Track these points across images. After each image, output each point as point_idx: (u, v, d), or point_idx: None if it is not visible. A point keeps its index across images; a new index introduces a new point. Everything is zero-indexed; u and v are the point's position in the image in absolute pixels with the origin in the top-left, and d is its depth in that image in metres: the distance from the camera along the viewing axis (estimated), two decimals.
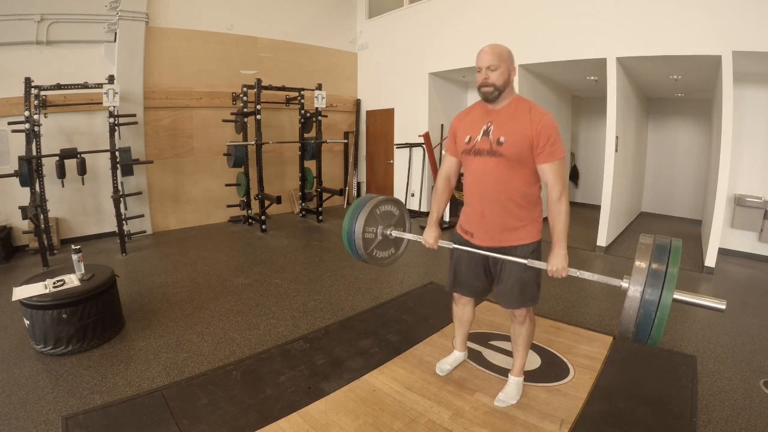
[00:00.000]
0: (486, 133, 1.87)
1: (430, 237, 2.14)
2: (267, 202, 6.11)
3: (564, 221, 1.78)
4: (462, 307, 2.36)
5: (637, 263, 1.49)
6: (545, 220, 1.91)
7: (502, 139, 1.82)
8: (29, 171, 4.39)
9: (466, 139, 1.95)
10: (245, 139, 6.18)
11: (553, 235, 1.81)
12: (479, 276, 2.12)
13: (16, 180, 4.41)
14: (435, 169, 6.94)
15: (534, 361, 2.54)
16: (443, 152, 6.34)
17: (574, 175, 8.31)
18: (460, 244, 2.07)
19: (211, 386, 2.32)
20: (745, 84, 4.91)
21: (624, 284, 1.54)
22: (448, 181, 2.16)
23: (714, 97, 5.53)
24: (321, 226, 6.60)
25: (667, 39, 4.43)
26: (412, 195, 7.49)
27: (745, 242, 5.15)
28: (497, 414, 2.09)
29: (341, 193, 7.65)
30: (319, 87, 6.49)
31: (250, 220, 6.49)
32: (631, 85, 5.87)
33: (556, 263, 1.77)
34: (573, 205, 8.08)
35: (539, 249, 1.98)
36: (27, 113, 4.46)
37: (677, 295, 1.42)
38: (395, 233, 2.35)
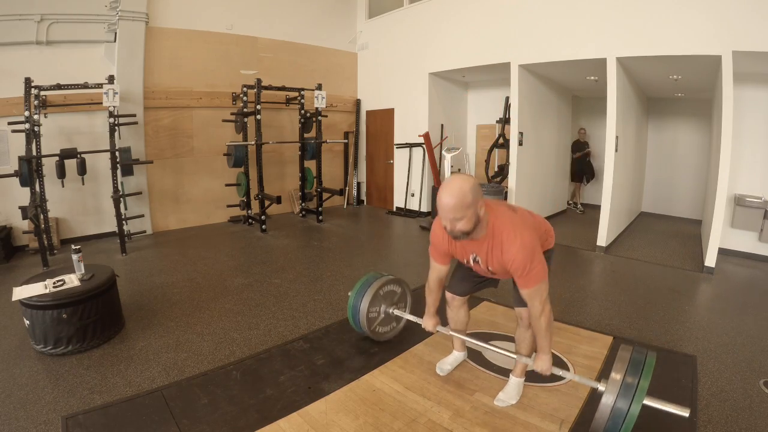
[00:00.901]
0: (476, 261, 1.96)
1: (429, 324, 2.32)
2: (267, 202, 6.11)
3: (545, 335, 1.88)
4: (456, 310, 2.38)
5: (612, 374, 1.69)
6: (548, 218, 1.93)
7: (491, 268, 1.93)
8: (29, 171, 4.39)
9: (464, 260, 2.04)
10: (245, 139, 6.18)
11: (537, 345, 1.96)
12: (473, 282, 2.26)
13: (16, 180, 4.41)
14: (435, 169, 6.95)
15: None
16: (443, 152, 6.35)
17: (588, 171, 7.95)
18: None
19: (211, 386, 2.32)
20: (745, 84, 4.91)
21: (600, 388, 1.74)
22: (439, 282, 2.23)
23: (714, 97, 5.53)
24: (321, 226, 6.60)
25: (667, 39, 4.43)
26: (412, 195, 7.49)
27: (745, 242, 5.15)
28: (497, 414, 2.09)
29: (341, 193, 7.66)
30: (319, 87, 6.49)
31: (250, 220, 6.49)
32: (631, 85, 5.87)
33: (541, 366, 1.95)
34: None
35: (550, 256, 2.08)
36: (27, 113, 4.46)
37: (647, 402, 1.62)
38: (397, 312, 2.70)
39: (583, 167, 7.92)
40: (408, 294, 2.85)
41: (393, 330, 2.83)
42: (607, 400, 1.63)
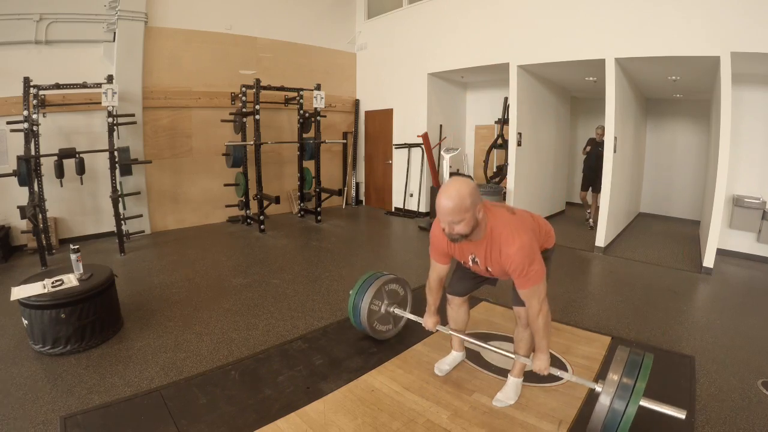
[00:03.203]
0: (475, 262, 1.98)
1: (429, 323, 2.34)
2: (266, 202, 6.11)
3: (543, 335, 1.90)
4: (456, 309, 2.38)
5: (609, 375, 1.70)
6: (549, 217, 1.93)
7: (489, 268, 1.95)
8: (28, 170, 4.39)
9: (462, 262, 2.08)
10: (244, 139, 6.18)
11: (535, 344, 1.97)
12: (473, 282, 2.28)
13: (14, 179, 4.41)
14: (434, 170, 6.95)
15: None
16: (442, 152, 6.35)
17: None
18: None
19: (210, 386, 2.32)
20: (744, 85, 4.92)
21: (597, 389, 1.75)
22: (440, 282, 2.24)
23: (712, 98, 5.55)
24: (319, 226, 6.59)
25: (665, 40, 4.44)
26: (411, 195, 7.49)
27: (744, 243, 5.16)
28: (495, 414, 2.09)
29: (340, 193, 7.65)
30: (318, 87, 6.49)
31: (248, 220, 6.49)
32: (630, 86, 5.88)
33: (539, 365, 1.96)
34: (576, 206, 8.07)
35: (549, 256, 2.10)
36: (26, 113, 4.45)
37: (643, 403, 1.63)
38: (397, 311, 2.71)
39: (593, 174, 6.41)
40: (409, 294, 2.86)
41: (392, 330, 2.84)
42: (604, 401, 1.65)
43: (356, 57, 8.28)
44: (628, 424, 1.59)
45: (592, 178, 6.46)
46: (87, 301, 2.71)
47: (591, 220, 6.63)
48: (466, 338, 2.34)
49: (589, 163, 6.54)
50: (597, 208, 6.05)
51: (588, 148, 6.62)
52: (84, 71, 5.14)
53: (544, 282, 1.82)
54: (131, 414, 2.07)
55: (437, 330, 2.38)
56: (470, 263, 2.01)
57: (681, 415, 1.64)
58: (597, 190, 6.23)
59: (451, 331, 2.37)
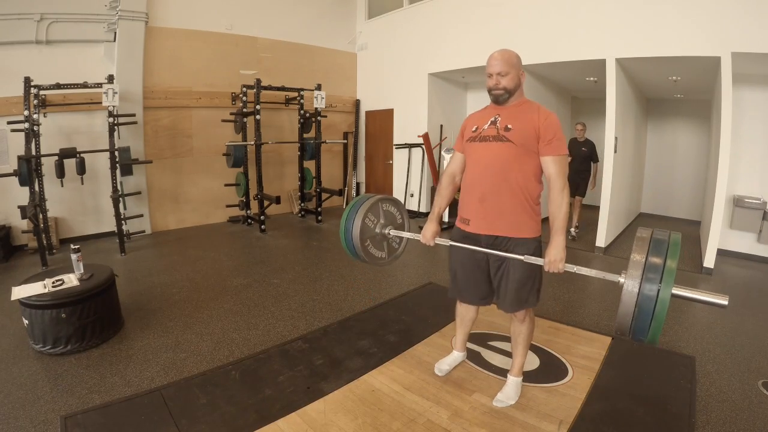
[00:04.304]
0: (494, 123, 1.93)
1: (428, 231, 2.14)
2: (266, 202, 6.11)
3: (565, 213, 1.82)
4: (466, 306, 2.32)
5: (633, 257, 1.41)
6: (544, 220, 1.90)
7: (509, 125, 1.88)
8: (28, 170, 4.39)
9: (473, 128, 2.00)
10: (244, 139, 6.18)
11: (552, 227, 1.82)
12: (478, 282, 2.11)
13: (15, 179, 4.41)
14: (434, 170, 6.95)
15: (533, 362, 2.54)
16: (443, 153, 6.35)
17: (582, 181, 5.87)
18: (458, 241, 2.05)
19: (210, 386, 2.32)
20: (744, 85, 4.92)
21: (621, 279, 1.48)
22: (452, 178, 2.15)
23: (713, 98, 5.54)
24: (320, 226, 6.60)
25: (666, 40, 4.44)
26: (411, 195, 7.49)
27: (744, 243, 5.16)
28: (496, 414, 2.09)
29: (340, 193, 7.66)
30: (319, 87, 6.49)
31: (249, 220, 6.49)
32: (631, 86, 5.88)
33: (554, 254, 1.75)
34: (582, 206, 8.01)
35: (540, 248, 1.96)
36: (26, 113, 4.46)
37: (676, 291, 1.34)
38: (393, 232, 2.32)
39: (577, 177, 5.69)
40: (406, 223, 2.45)
41: (385, 258, 2.41)
42: (631, 287, 1.37)
43: (357, 57, 8.28)
44: (664, 312, 1.34)
45: (576, 182, 5.70)
46: (87, 301, 2.71)
47: (575, 228, 5.95)
48: (481, 249, 1.99)
49: (573, 166, 5.64)
50: (578, 210, 5.89)
51: (569, 159, 5.47)
52: (84, 71, 5.14)
53: (566, 159, 1.89)
54: (132, 414, 2.07)
55: (436, 242, 2.13)
56: (486, 125, 1.94)
57: (723, 302, 1.39)
58: (582, 194, 5.83)
59: (451, 243, 2.07)
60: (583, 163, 5.68)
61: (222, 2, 6.33)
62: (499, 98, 1.94)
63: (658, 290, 1.32)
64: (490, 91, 1.95)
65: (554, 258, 1.75)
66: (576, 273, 1.69)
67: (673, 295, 1.34)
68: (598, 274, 1.60)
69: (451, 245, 2.08)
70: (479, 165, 1.96)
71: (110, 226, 5.31)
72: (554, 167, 1.84)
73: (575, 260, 4.94)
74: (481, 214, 1.96)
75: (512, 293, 1.97)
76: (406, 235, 2.31)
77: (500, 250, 1.91)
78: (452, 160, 2.16)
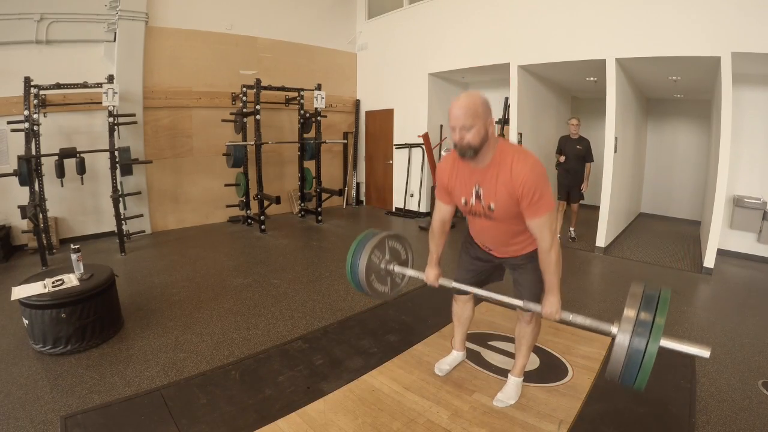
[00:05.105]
0: (477, 196, 1.86)
1: (431, 275, 2.20)
2: (266, 202, 6.11)
3: (555, 271, 1.81)
4: (462, 305, 2.38)
5: (626, 312, 1.56)
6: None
7: (492, 206, 1.82)
8: (28, 170, 4.39)
9: (462, 201, 1.95)
10: (244, 139, 6.18)
11: (546, 283, 1.86)
12: (477, 270, 2.21)
13: (15, 179, 4.41)
14: (434, 170, 6.95)
15: (533, 362, 2.54)
16: (443, 152, 6.35)
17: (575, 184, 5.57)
18: (470, 242, 2.21)
19: (210, 386, 2.32)
20: (744, 85, 4.92)
21: (613, 330, 1.61)
22: (443, 225, 2.16)
23: (713, 98, 5.54)
24: (320, 226, 6.59)
25: (666, 40, 4.44)
26: (411, 195, 7.49)
27: (744, 243, 5.16)
28: (496, 414, 2.09)
29: (340, 193, 7.66)
30: (319, 87, 6.49)
31: (249, 220, 6.49)
32: (631, 86, 5.88)
33: (549, 307, 1.82)
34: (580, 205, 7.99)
35: None
36: (26, 112, 4.45)
37: (663, 343, 1.50)
38: (398, 269, 2.42)
39: (571, 178, 5.47)
40: (410, 254, 2.56)
41: (388, 292, 2.50)
42: (622, 341, 1.51)
43: (357, 57, 8.28)
44: (650, 365, 1.46)
45: (571, 184, 5.48)
46: (87, 301, 2.71)
47: (572, 228, 5.77)
48: (476, 291, 2.13)
49: (566, 166, 5.44)
50: (576, 216, 5.67)
51: (562, 158, 5.44)
52: (84, 71, 5.14)
53: (554, 212, 1.79)
54: (132, 414, 2.07)
55: (440, 284, 2.19)
56: (473, 199, 1.88)
57: (705, 353, 1.50)
58: (576, 199, 5.55)
59: (453, 284, 2.16)
60: (577, 162, 5.40)
61: (222, 2, 6.33)
62: (465, 155, 1.74)
63: (647, 344, 1.47)
64: (455, 145, 1.76)
65: (549, 311, 1.82)
66: (571, 320, 1.79)
67: (660, 347, 1.49)
68: (592, 323, 1.71)
69: (453, 286, 2.17)
70: (479, 232, 2.06)
71: (110, 226, 5.31)
72: (537, 229, 1.78)
73: (576, 260, 4.97)
74: (489, 249, 2.10)
75: (528, 291, 2.03)
76: (410, 273, 2.39)
77: (511, 264, 2.09)
78: (439, 209, 2.11)
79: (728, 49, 4.04)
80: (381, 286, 2.45)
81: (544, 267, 1.84)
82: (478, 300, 3.43)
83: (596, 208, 5.39)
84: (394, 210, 7.87)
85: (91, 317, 2.73)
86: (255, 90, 5.86)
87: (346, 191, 8.30)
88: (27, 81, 4.53)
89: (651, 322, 1.51)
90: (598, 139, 5.65)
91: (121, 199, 5.05)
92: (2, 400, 2.20)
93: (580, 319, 1.75)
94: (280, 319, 3.25)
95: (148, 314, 3.30)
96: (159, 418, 2.03)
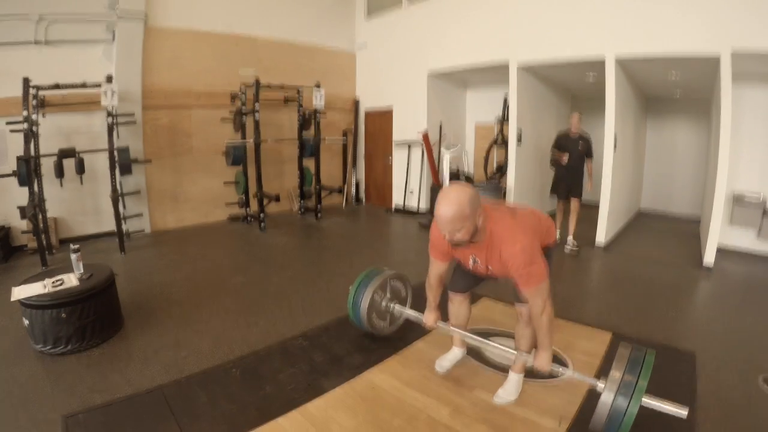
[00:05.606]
0: (475, 262, 1.97)
1: (430, 319, 2.31)
2: (266, 201, 6.11)
3: (546, 333, 1.88)
4: (458, 305, 2.38)
5: (612, 372, 1.71)
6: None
7: (490, 267, 1.94)
8: (28, 171, 4.39)
9: (462, 261, 2.06)
10: (244, 137, 6.18)
11: (538, 341, 1.95)
12: (470, 280, 2.27)
13: (14, 180, 4.40)
14: (434, 169, 6.95)
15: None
16: (442, 148, 6.35)
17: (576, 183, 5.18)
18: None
19: (211, 384, 2.32)
20: (744, 82, 4.91)
21: (600, 386, 1.76)
22: (440, 279, 2.23)
23: (713, 96, 5.54)
24: (320, 224, 6.59)
25: (666, 39, 4.44)
26: (411, 193, 7.49)
27: (744, 239, 5.16)
28: (496, 410, 2.09)
29: (340, 191, 7.66)
30: (318, 85, 6.48)
31: (248, 219, 6.49)
32: (630, 85, 5.88)
33: (541, 363, 1.93)
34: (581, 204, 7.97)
35: (550, 253, 2.09)
36: (25, 113, 4.44)
37: (645, 401, 1.63)
38: (398, 308, 2.64)
39: (571, 176, 5.12)
40: (409, 294, 2.86)
41: (387, 327, 2.78)
42: (606, 399, 1.65)
43: (356, 56, 8.27)
44: (630, 422, 1.60)
45: (570, 182, 5.14)
46: (87, 301, 2.71)
47: (571, 236, 5.13)
48: (467, 335, 2.32)
49: (568, 163, 5.06)
50: (577, 216, 5.15)
51: (565, 158, 5.01)
52: (84, 71, 5.12)
53: (546, 281, 1.81)
54: (133, 412, 2.07)
55: (438, 326, 2.34)
56: (471, 264, 2.00)
57: (683, 413, 1.63)
58: (577, 194, 5.15)
59: (451, 327, 2.34)
60: (579, 159, 5.07)
61: (221, 2, 6.32)
62: (459, 246, 1.81)
63: (628, 404, 1.61)
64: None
65: (540, 365, 1.94)
66: (561, 374, 1.99)
67: (642, 404, 1.62)
68: (580, 377, 1.94)
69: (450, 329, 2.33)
70: (476, 271, 2.10)
71: (110, 225, 5.30)
72: (531, 296, 1.83)
73: (575, 258, 4.96)
74: (488, 273, 2.08)
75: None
76: (410, 315, 2.60)
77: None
78: (434, 266, 2.16)
79: (728, 48, 4.04)
80: (380, 321, 2.69)
81: (536, 327, 1.92)
82: (476, 297, 3.44)
83: (596, 206, 5.39)
84: (393, 208, 7.82)
85: (92, 317, 2.73)
86: (254, 89, 5.84)
87: (345, 189, 8.29)
88: (26, 81, 4.51)
89: (634, 384, 1.64)
90: (597, 137, 5.65)
91: (120, 198, 5.04)
92: (3, 400, 2.20)
93: (569, 373, 1.97)
94: (280, 317, 3.25)
95: (149, 313, 3.30)
96: (160, 417, 2.03)
